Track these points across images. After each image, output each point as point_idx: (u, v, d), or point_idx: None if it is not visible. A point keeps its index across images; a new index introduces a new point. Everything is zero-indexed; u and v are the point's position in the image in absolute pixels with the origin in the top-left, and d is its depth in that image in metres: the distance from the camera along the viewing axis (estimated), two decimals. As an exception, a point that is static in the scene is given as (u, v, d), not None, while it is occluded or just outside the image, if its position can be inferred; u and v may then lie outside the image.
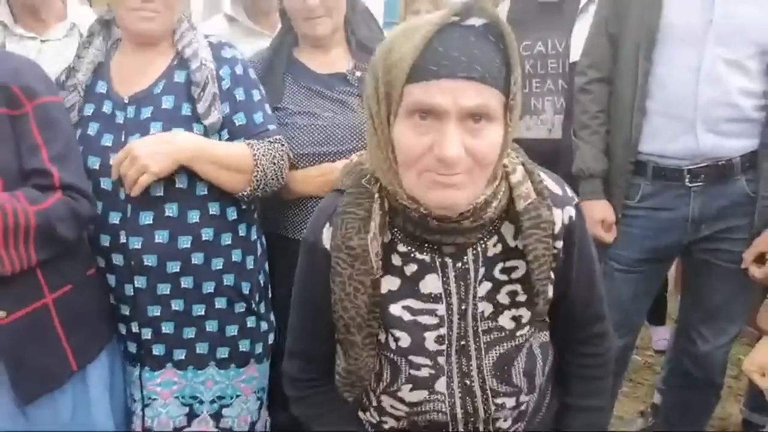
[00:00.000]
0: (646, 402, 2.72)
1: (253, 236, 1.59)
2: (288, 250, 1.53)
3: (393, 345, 1.04)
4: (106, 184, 1.43)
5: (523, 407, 1.10)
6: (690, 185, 1.76)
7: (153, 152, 1.34)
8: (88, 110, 1.47)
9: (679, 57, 1.71)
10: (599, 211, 1.86)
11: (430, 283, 1.02)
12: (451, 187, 0.89)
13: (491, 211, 0.97)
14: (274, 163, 1.48)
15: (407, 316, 1.03)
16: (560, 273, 1.05)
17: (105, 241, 1.46)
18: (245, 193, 1.47)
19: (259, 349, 1.59)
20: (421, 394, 1.06)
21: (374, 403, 1.13)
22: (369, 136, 0.97)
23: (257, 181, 1.46)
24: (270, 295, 1.64)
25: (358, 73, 1.68)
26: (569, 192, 1.07)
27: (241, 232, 1.54)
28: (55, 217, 1.25)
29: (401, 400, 1.08)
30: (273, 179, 1.49)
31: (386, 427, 1.13)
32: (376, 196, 0.99)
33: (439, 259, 1.01)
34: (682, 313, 2.13)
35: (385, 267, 1.02)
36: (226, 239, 1.50)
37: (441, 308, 1.03)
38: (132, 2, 1.41)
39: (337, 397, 1.12)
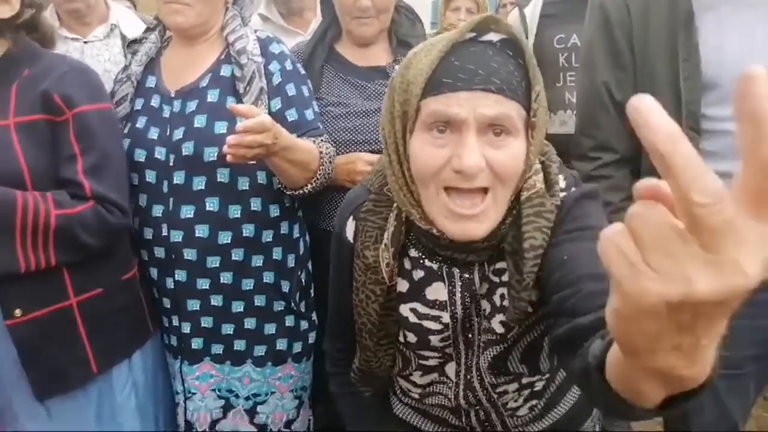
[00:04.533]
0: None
1: (296, 234, 1.57)
2: (322, 241, 1.52)
3: (402, 339, 1.05)
4: (150, 176, 1.44)
5: (537, 388, 1.07)
6: None
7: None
8: (138, 104, 1.49)
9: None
10: None
11: (437, 291, 1.01)
12: (472, 219, 0.86)
13: (504, 228, 0.93)
14: (330, 162, 1.48)
15: (413, 318, 1.03)
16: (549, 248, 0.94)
17: (148, 233, 1.46)
18: (306, 190, 1.45)
19: (298, 348, 1.58)
20: (431, 376, 1.08)
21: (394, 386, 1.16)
22: (384, 158, 0.95)
23: (318, 179, 1.45)
24: (312, 294, 1.63)
25: (397, 67, 1.68)
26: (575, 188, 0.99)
27: (283, 230, 1.53)
28: (78, 223, 1.25)
29: (414, 383, 1.10)
30: (326, 178, 1.48)
31: (406, 401, 1.16)
32: (394, 205, 0.99)
33: (447, 269, 1.00)
34: None
35: (398, 269, 1.02)
36: (268, 236, 1.49)
37: (445, 316, 1.02)
38: None
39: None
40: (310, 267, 1.63)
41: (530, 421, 1.12)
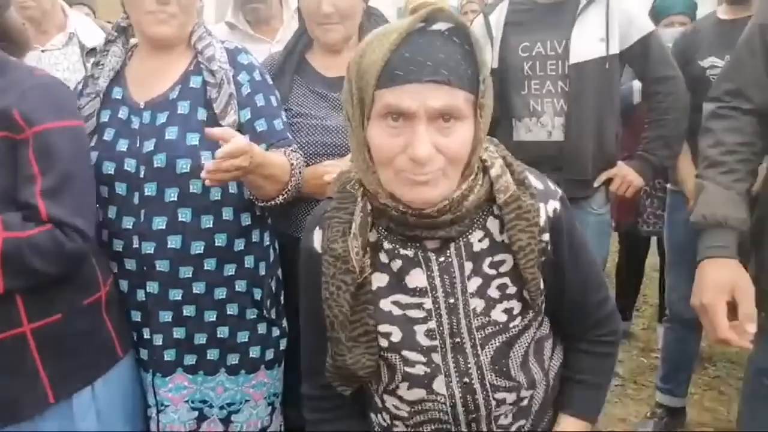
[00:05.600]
0: (650, 405, 2.72)
1: (266, 242, 1.59)
2: (292, 248, 1.50)
3: (385, 343, 1.06)
4: (120, 188, 1.43)
5: (524, 403, 1.11)
6: None
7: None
8: (105, 116, 1.48)
9: None
10: (727, 274, 1.27)
11: (416, 278, 1.05)
12: (424, 185, 0.93)
13: (468, 204, 0.99)
14: (301, 173, 1.49)
15: (397, 311, 1.06)
16: (551, 266, 1.07)
17: (118, 246, 1.46)
18: (277, 201, 1.46)
19: (270, 355, 1.59)
20: (419, 393, 1.08)
21: (380, 405, 1.15)
22: (350, 138, 1.01)
23: (289, 191, 1.47)
24: (282, 301, 1.64)
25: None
26: (552, 186, 1.09)
27: (254, 238, 1.54)
28: (29, 247, 1.19)
29: (401, 399, 1.10)
30: (296, 189, 1.50)
31: (396, 430, 1.14)
32: (359, 199, 1.03)
33: (422, 254, 1.04)
34: None
35: (374, 265, 1.05)
36: (240, 245, 1.50)
37: (428, 302, 1.05)
38: (148, 5, 1.40)
39: (354, 416, 1.18)
40: (279, 274, 1.64)
41: None
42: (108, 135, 1.46)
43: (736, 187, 1.34)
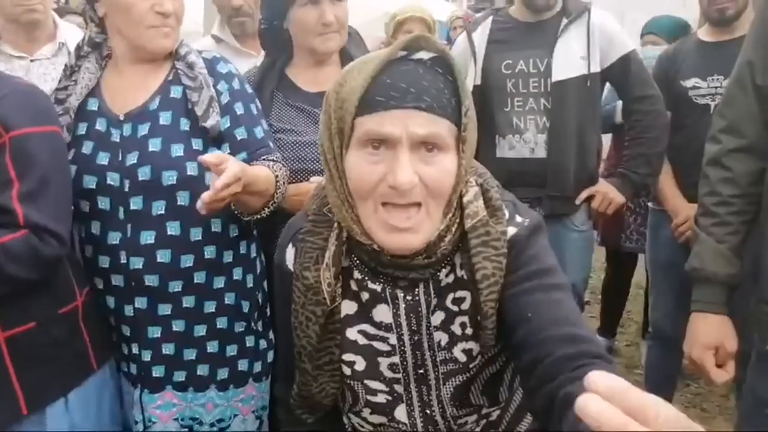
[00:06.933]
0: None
1: (253, 254, 1.59)
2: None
3: (348, 371, 1.04)
4: (104, 203, 1.42)
5: (492, 417, 1.09)
6: None
7: None
8: (81, 129, 1.46)
9: None
10: (713, 331, 1.39)
11: (382, 313, 1.02)
12: (408, 231, 0.89)
13: (444, 245, 0.95)
14: (285, 185, 1.50)
15: (362, 340, 1.03)
16: (509, 294, 0.94)
17: (104, 262, 1.44)
18: (262, 215, 1.46)
19: (258, 367, 1.58)
20: (381, 419, 1.06)
21: (346, 421, 1.13)
22: (325, 175, 0.97)
23: (275, 203, 1.46)
24: (268, 313, 1.64)
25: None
26: (529, 219, 1.00)
27: (242, 250, 1.54)
28: (3, 253, 1.19)
29: (365, 420, 1.09)
30: (281, 200, 1.50)
31: None
32: (335, 225, 0.99)
33: (390, 291, 1.01)
34: None
35: (344, 291, 1.02)
36: (228, 257, 1.50)
37: (392, 337, 1.02)
38: (152, 20, 1.41)
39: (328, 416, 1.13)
40: (265, 286, 1.64)
41: None
42: (86, 148, 1.44)
43: (728, 241, 1.38)
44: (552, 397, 0.79)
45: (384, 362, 1.03)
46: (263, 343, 1.60)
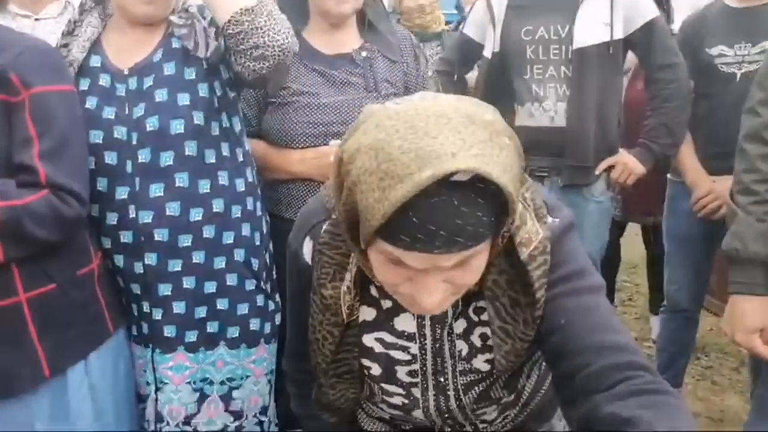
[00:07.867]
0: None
1: (259, 212, 1.57)
2: (283, 230, 1.46)
3: (366, 372, 1.02)
4: (111, 158, 1.40)
5: (509, 399, 1.07)
6: None
7: None
8: (84, 85, 1.44)
9: None
10: (758, 315, 1.34)
11: (405, 322, 0.96)
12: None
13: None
14: (273, 18, 1.32)
15: (379, 348, 0.99)
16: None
17: (112, 219, 1.42)
18: (227, 28, 1.32)
19: (267, 328, 1.57)
20: (399, 415, 1.05)
21: (364, 406, 1.13)
22: (335, 201, 0.82)
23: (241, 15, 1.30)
24: (275, 275, 1.62)
25: (363, 53, 1.72)
26: (550, 218, 0.92)
27: (249, 206, 1.52)
28: (27, 215, 1.18)
29: (383, 410, 1.08)
30: (266, 35, 1.31)
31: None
32: None
33: None
34: None
35: (362, 297, 0.96)
36: (236, 212, 1.48)
37: (414, 347, 0.98)
38: None
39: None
40: (271, 247, 1.62)
41: (503, 427, 1.10)
42: (90, 103, 1.42)
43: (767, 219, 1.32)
44: (594, 412, 0.74)
45: (402, 370, 0.99)
46: (272, 305, 1.58)
